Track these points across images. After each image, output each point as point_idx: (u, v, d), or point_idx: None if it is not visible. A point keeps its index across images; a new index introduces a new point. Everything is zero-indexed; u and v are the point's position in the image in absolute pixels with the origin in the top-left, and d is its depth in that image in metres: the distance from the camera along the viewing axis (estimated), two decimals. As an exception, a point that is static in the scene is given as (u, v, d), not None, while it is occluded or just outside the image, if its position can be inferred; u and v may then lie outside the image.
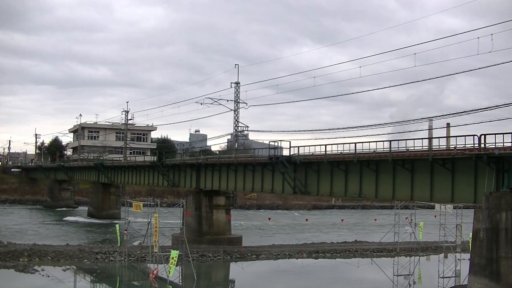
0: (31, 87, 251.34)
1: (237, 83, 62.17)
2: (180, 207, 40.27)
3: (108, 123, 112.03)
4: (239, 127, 62.51)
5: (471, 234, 28.40)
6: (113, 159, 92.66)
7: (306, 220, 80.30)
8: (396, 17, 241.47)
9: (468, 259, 28.85)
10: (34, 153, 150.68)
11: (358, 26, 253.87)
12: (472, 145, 27.44)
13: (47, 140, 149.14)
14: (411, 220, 49.29)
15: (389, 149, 32.70)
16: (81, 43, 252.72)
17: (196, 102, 63.82)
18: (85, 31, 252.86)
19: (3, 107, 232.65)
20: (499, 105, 29.66)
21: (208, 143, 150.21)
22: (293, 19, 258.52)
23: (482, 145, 26.57)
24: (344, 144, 37.13)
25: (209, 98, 62.80)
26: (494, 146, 26.32)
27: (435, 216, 56.59)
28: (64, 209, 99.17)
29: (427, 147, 31.19)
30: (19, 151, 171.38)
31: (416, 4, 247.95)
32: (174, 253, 33.48)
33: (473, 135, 27.26)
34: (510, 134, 25.95)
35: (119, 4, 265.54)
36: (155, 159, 62.06)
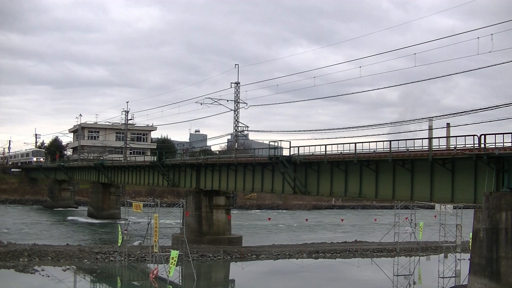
0: (29, 87, 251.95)
1: (237, 83, 62.21)
2: (180, 207, 40.28)
3: (108, 123, 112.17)
4: (239, 127, 62.55)
5: (471, 234, 28.39)
6: (113, 159, 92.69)
7: (306, 220, 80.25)
8: (390, 17, 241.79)
9: (468, 259, 28.84)
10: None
11: (353, 26, 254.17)
12: (472, 145, 27.44)
13: (47, 140, 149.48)
14: (411, 220, 49.31)
15: (389, 149, 32.68)
16: (78, 43, 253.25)
17: (196, 102, 64.05)
18: (81, 32, 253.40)
19: (2, 107, 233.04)
20: (498, 105, 29.76)
21: (208, 143, 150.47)
22: (288, 19, 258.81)
23: (482, 145, 26.58)
24: (344, 144, 37.17)
25: (209, 98, 63.00)
26: (494, 146, 26.33)
27: (435, 216, 56.61)
28: (64, 209, 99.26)
29: (427, 147, 31.18)
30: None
31: (409, 4, 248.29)
32: (174, 253, 33.47)
33: (473, 135, 27.28)
34: (510, 134, 25.98)
35: (113, 4, 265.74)
36: (155, 159, 62.05)
